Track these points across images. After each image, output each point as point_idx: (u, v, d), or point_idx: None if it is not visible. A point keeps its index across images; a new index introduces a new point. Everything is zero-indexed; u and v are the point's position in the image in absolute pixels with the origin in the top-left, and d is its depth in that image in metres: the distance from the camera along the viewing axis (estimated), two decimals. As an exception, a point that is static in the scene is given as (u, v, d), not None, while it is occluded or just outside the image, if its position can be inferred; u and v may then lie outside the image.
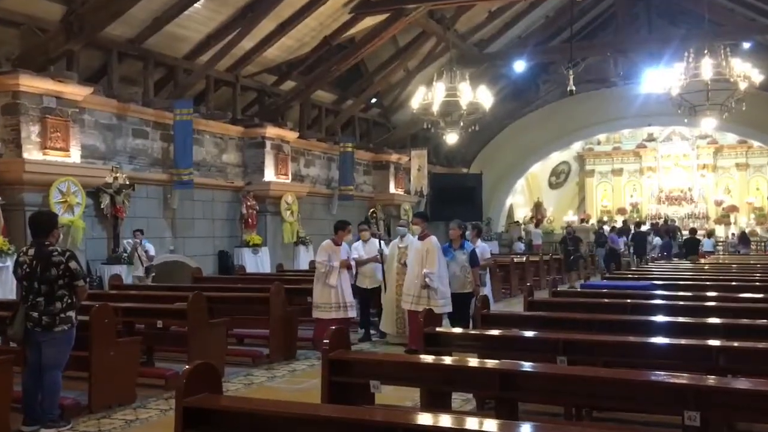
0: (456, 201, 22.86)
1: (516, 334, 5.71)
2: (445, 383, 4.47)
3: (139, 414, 6.02)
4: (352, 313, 9.01)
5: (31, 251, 5.53)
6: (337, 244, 9.05)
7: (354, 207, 18.44)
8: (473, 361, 4.62)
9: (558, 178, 31.75)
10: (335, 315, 8.72)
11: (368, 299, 9.93)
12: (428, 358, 4.71)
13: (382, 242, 9.99)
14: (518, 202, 31.29)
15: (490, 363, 4.39)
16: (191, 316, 7.36)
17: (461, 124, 15.45)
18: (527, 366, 4.26)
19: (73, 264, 5.47)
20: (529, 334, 5.58)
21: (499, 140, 25.73)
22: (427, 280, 8.33)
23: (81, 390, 6.19)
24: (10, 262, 9.30)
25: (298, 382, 7.46)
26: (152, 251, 11.95)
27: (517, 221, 29.43)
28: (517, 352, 5.18)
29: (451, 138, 16.86)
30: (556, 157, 29.39)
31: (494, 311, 7.80)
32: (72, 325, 5.53)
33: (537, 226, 28.60)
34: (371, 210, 11.58)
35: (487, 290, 9.73)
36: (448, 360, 4.66)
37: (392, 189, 20.66)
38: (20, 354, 5.66)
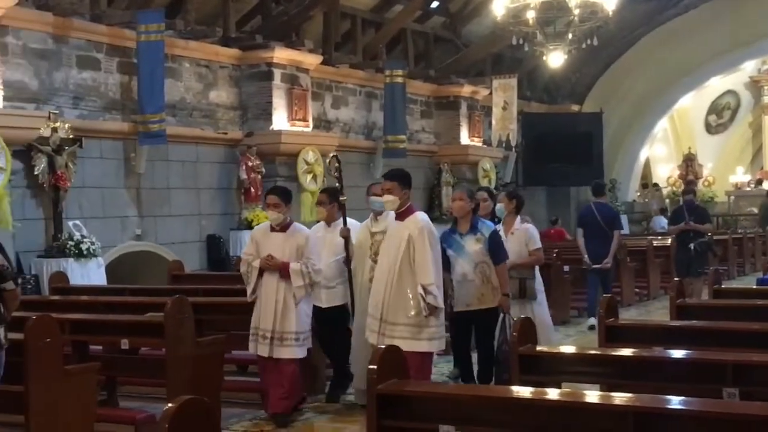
0: (563, 155, 22.74)
1: (659, 355, 5.69)
2: (553, 428, 4.49)
3: (100, 475, 6.20)
4: (283, 352, 7.67)
5: None
6: (276, 229, 7.91)
7: (408, 167, 18.33)
8: (593, 395, 4.63)
9: (720, 117, 31.23)
10: (255, 350, 7.82)
11: (328, 327, 8.53)
12: (525, 391, 4.74)
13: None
14: (659, 156, 30.95)
15: (621, 398, 4.40)
16: (171, 333, 7.46)
17: (570, 37, 15.27)
18: (677, 401, 4.25)
19: None
20: (678, 354, 5.57)
21: (628, 61, 25.37)
22: (429, 299, 7.14)
23: (15, 441, 6.38)
24: None
25: (332, 429, 7.54)
26: None
27: (656, 184, 29.10)
28: (660, 382, 5.17)
29: (555, 59, 16.67)
30: (717, 86, 28.89)
31: (626, 321, 7.77)
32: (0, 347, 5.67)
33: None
34: (330, 157, 9.34)
35: (540, 306, 8.88)
36: (555, 394, 4.68)
37: (464, 138, 20.59)
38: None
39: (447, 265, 7.87)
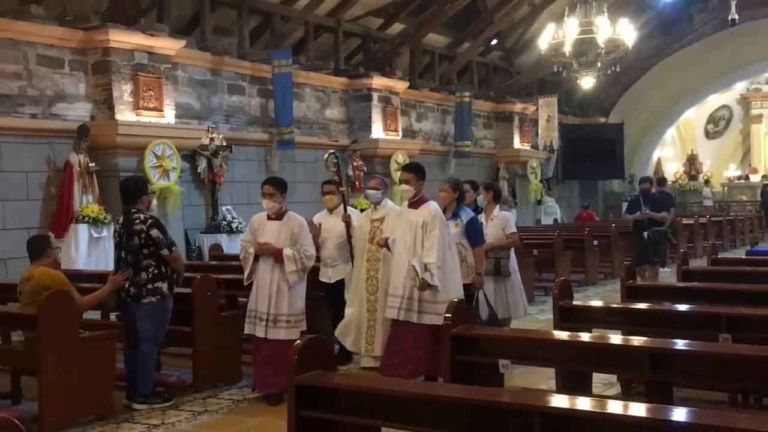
0: (592, 156, 22.49)
1: (668, 309, 5.58)
2: (585, 363, 4.44)
3: (246, 394, 6.31)
4: (278, 333, 6.10)
5: (122, 219, 6.06)
6: (272, 217, 6.29)
7: (473, 166, 18.37)
8: (618, 338, 4.56)
9: (716, 126, 30.52)
10: (251, 330, 6.25)
11: (335, 299, 7.41)
12: (563, 335, 4.70)
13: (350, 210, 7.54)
14: (668, 156, 30.41)
15: (638, 340, 4.32)
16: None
17: (598, 65, 15.01)
18: (683, 344, 4.16)
19: (154, 232, 5.86)
20: (683, 308, 5.45)
21: (644, 83, 24.85)
22: (426, 276, 6.07)
23: (185, 368, 6.57)
24: (107, 232, 9.95)
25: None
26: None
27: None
28: (669, 329, 5.07)
29: (587, 82, 16.43)
30: (714, 101, 28.22)
31: (642, 283, 7.62)
32: (162, 297, 5.92)
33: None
34: (327, 154, 7.91)
35: (512, 284, 7.73)
36: (586, 337, 4.62)
37: (517, 144, 20.42)
38: (122, 329, 6.08)
39: None
